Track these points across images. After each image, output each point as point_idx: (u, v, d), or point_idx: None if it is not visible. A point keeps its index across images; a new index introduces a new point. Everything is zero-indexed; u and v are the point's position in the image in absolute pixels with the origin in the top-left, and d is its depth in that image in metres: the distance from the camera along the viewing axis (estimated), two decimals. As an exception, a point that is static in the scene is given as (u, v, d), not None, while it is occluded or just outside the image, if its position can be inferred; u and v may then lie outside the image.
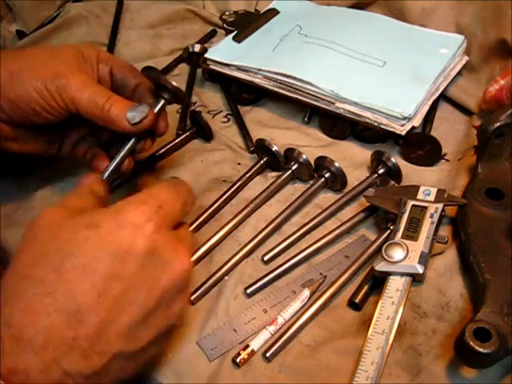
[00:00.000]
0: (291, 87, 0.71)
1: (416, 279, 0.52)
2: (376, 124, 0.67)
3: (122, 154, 0.56)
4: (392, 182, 0.61)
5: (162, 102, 0.56)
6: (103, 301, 0.38)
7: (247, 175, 0.64)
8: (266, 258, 0.56)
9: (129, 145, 0.56)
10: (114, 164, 0.56)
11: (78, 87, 0.52)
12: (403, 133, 0.66)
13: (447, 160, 0.67)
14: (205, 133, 0.70)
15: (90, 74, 0.56)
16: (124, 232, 0.40)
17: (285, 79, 0.71)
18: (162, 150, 0.68)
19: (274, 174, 0.66)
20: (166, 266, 0.40)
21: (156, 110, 0.56)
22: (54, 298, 0.37)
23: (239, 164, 0.67)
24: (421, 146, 0.66)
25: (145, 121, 0.53)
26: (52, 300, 0.37)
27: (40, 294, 0.37)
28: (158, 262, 0.40)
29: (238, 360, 0.48)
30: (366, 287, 0.53)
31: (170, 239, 0.41)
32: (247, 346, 0.49)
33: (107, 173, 0.55)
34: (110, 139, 0.60)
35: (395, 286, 0.51)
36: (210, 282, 0.54)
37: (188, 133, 0.70)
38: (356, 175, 0.65)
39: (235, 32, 0.81)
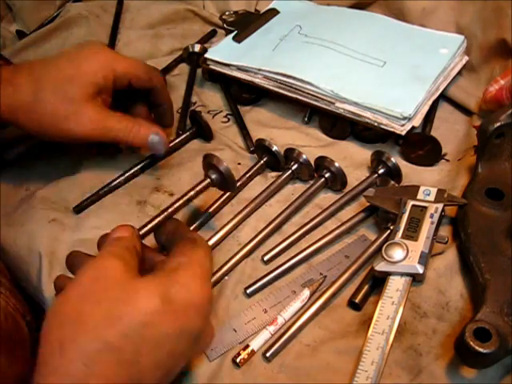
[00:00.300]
0: (291, 87, 0.71)
1: (416, 279, 0.52)
2: (376, 124, 0.67)
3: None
4: (392, 182, 0.61)
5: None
6: (157, 373, 0.40)
7: (247, 175, 0.64)
8: (266, 258, 0.56)
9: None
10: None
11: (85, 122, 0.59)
12: (403, 133, 0.66)
13: (447, 160, 0.67)
14: (205, 133, 0.70)
15: (106, 94, 0.61)
16: (191, 313, 0.42)
17: (285, 79, 0.71)
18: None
19: (274, 173, 0.66)
20: (203, 343, 0.46)
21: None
22: (125, 368, 0.38)
23: (239, 164, 0.67)
24: (421, 145, 0.66)
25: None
26: (122, 370, 0.38)
27: (113, 363, 0.38)
28: (200, 341, 0.44)
29: (238, 360, 0.48)
30: (366, 287, 0.53)
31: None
32: (247, 346, 0.49)
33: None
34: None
35: (395, 286, 0.51)
36: (211, 281, 0.54)
37: (188, 133, 0.71)
38: (356, 175, 0.65)
39: (235, 32, 0.81)
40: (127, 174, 0.65)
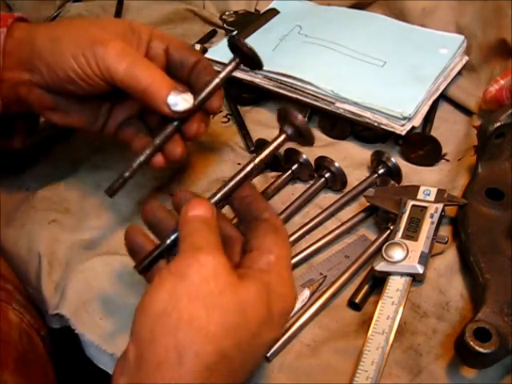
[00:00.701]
0: (291, 87, 0.71)
1: (416, 279, 0.52)
2: (376, 124, 0.67)
3: (158, 139, 0.52)
4: (392, 182, 0.61)
5: (217, 80, 0.53)
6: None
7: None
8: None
9: (169, 129, 0.52)
10: (153, 146, 0.52)
11: (115, 55, 0.49)
12: (403, 133, 0.66)
13: (447, 160, 0.67)
14: (252, 60, 0.55)
15: (135, 46, 0.53)
16: (284, 321, 0.43)
17: (285, 79, 0.71)
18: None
19: (274, 173, 0.66)
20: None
21: (211, 87, 0.52)
22: (232, 377, 0.39)
23: (239, 164, 0.67)
24: (421, 145, 0.66)
25: (186, 113, 0.51)
26: (230, 380, 0.38)
27: (225, 374, 0.38)
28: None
29: (238, 360, 0.48)
30: (365, 287, 0.53)
31: None
32: (247, 346, 0.49)
33: (141, 158, 0.52)
34: (160, 125, 0.55)
35: (395, 285, 0.51)
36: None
37: (230, 65, 0.55)
38: (356, 175, 0.65)
39: (235, 32, 0.81)
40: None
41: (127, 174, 0.53)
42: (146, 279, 0.47)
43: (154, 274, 0.44)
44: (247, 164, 0.48)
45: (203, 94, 0.53)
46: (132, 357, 0.37)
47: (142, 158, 0.53)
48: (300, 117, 0.48)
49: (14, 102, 0.53)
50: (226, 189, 0.48)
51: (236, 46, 0.53)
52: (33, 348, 0.49)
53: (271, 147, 0.49)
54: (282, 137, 0.49)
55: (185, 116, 0.51)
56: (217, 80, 0.54)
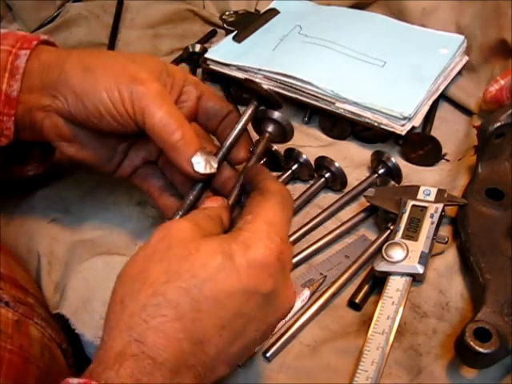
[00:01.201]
0: (291, 87, 0.71)
1: (416, 279, 0.52)
2: (376, 124, 0.67)
3: (188, 200, 0.50)
4: (392, 182, 0.61)
5: (238, 128, 0.52)
6: (224, 334, 0.38)
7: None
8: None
9: (198, 188, 0.50)
10: (186, 206, 0.49)
11: (154, 98, 0.47)
12: (403, 133, 0.66)
13: (447, 160, 0.67)
14: (269, 103, 0.53)
15: (169, 89, 0.51)
16: (255, 272, 0.39)
17: (285, 79, 0.71)
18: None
19: (274, 174, 0.65)
20: (280, 306, 0.41)
21: (232, 137, 0.51)
22: (184, 324, 0.37)
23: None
24: (421, 145, 0.66)
25: (206, 176, 0.49)
26: (181, 326, 0.37)
27: (172, 318, 0.37)
28: (275, 303, 0.41)
29: (238, 360, 0.48)
30: (366, 287, 0.53)
31: (286, 277, 0.42)
32: (247, 346, 0.49)
33: (179, 214, 0.49)
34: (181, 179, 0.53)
35: (395, 286, 0.51)
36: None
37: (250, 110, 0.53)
38: (356, 175, 0.65)
39: (235, 32, 0.81)
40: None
41: None
42: None
43: None
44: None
45: (226, 145, 0.51)
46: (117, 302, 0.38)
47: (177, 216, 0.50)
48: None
49: (28, 128, 0.51)
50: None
51: (252, 89, 0.52)
52: (54, 363, 0.49)
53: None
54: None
55: (205, 179, 0.49)
56: (238, 128, 0.52)
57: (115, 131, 0.50)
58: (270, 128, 0.53)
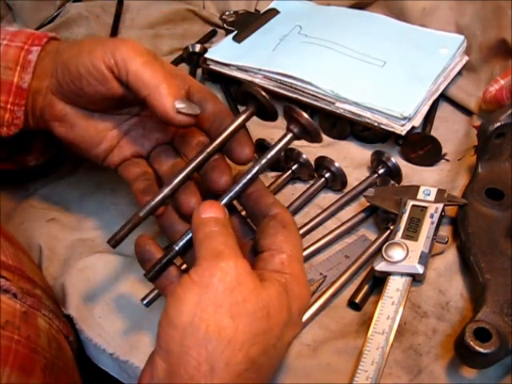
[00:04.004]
0: (291, 87, 0.71)
1: (416, 279, 0.52)
2: (376, 124, 0.67)
3: (167, 189, 0.48)
4: (392, 182, 0.61)
5: (231, 129, 0.49)
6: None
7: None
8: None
9: (182, 176, 0.48)
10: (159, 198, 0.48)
11: (135, 50, 0.48)
12: (403, 133, 0.66)
13: (447, 160, 0.67)
14: (266, 112, 0.51)
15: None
16: (301, 320, 0.43)
17: (285, 79, 0.71)
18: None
19: (274, 173, 0.66)
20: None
21: (222, 137, 0.49)
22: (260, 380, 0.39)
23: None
24: (421, 145, 0.66)
25: (188, 120, 0.47)
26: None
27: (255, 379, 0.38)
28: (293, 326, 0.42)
29: (238, 360, 0.48)
30: (365, 287, 0.53)
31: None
32: (247, 346, 0.49)
33: (145, 210, 0.48)
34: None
35: (395, 285, 0.51)
36: None
37: (244, 115, 0.51)
38: (356, 175, 0.65)
39: (235, 32, 0.81)
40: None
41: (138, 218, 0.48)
42: (157, 286, 0.48)
43: (166, 282, 0.46)
44: (253, 165, 0.47)
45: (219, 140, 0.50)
46: (161, 371, 0.37)
47: (147, 208, 0.48)
48: (305, 114, 0.47)
49: (31, 114, 0.53)
50: (233, 191, 0.47)
51: (251, 94, 0.49)
52: (61, 355, 0.49)
53: (278, 147, 0.48)
54: (289, 136, 0.48)
55: (187, 125, 0.48)
56: (230, 129, 0.50)
57: (99, 94, 0.50)
58: (296, 129, 0.48)
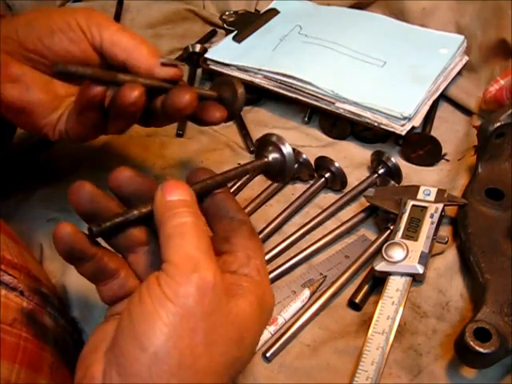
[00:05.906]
0: (291, 87, 0.71)
1: (416, 279, 0.52)
2: (376, 124, 0.67)
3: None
4: (392, 182, 0.61)
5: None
6: None
7: (247, 175, 0.64)
8: (266, 258, 0.56)
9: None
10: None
11: (109, 18, 0.50)
12: (403, 133, 0.66)
13: (447, 160, 0.67)
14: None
15: None
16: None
17: (285, 79, 0.71)
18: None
19: (274, 173, 0.66)
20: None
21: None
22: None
23: (239, 164, 0.67)
24: (421, 145, 0.66)
25: (174, 69, 0.48)
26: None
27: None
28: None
29: (238, 360, 0.48)
30: (365, 287, 0.53)
31: None
32: (247, 346, 0.49)
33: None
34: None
35: (395, 285, 0.51)
36: None
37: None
38: (356, 175, 0.65)
39: (235, 32, 0.81)
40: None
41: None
42: (112, 246, 0.41)
43: (127, 242, 0.40)
44: (225, 171, 0.45)
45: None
46: None
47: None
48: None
49: None
50: (200, 185, 0.42)
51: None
52: (67, 352, 0.49)
53: (247, 167, 0.50)
54: (263, 161, 0.51)
55: (174, 76, 0.49)
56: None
57: (70, 55, 0.49)
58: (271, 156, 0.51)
